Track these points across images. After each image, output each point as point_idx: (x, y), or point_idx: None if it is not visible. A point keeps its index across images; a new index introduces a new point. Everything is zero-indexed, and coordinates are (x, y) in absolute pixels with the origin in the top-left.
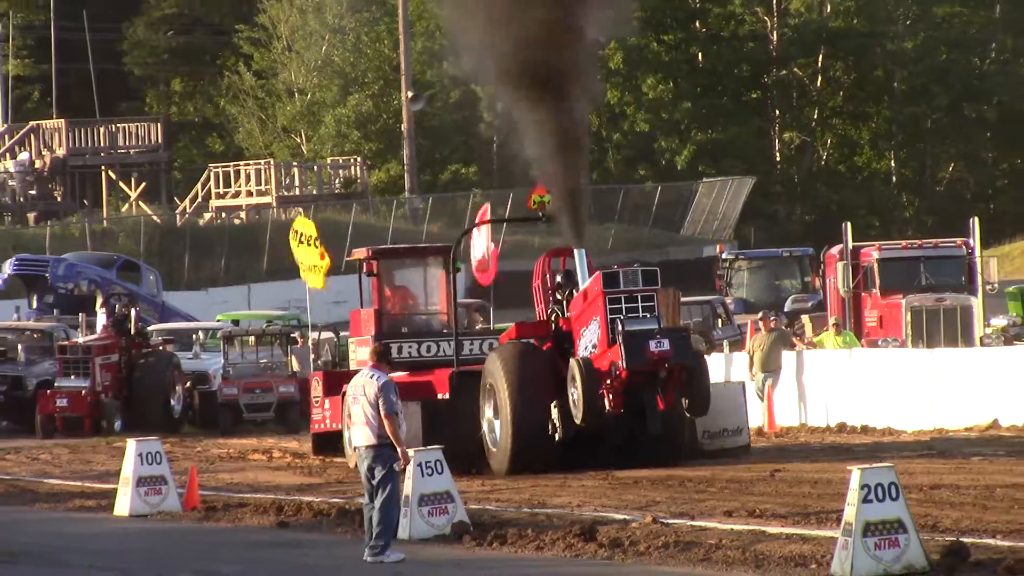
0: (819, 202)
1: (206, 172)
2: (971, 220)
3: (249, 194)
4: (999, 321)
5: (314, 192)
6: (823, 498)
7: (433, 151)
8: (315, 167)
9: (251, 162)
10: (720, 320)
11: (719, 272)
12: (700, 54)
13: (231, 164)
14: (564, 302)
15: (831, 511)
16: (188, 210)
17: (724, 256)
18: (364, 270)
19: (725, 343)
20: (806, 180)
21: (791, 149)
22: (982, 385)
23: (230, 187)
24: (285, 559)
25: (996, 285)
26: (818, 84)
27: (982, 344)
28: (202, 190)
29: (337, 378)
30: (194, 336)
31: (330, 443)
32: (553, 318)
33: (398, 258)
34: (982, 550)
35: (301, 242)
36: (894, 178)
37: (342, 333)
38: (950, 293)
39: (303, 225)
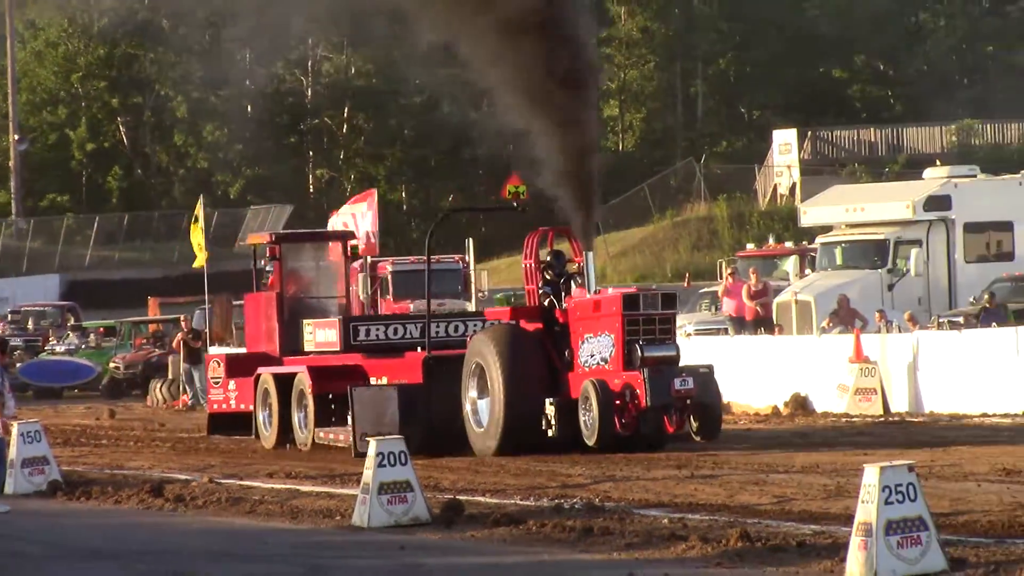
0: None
1: None
2: (467, 240)
3: None
4: None
5: None
6: (347, 463)
7: (34, 182)
8: None
9: None
10: None
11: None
12: (249, 106)
13: None
14: (555, 284)
15: (353, 474)
16: None
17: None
18: (267, 254)
19: None
20: (335, 206)
21: (322, 183)
22: None
23: None
24: None
25: (487, 292)
26: (344, 130)
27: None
28: None
29: (240, 360)
30: None
31: (230, 423)
32: (546, 302)
33: (299, 243)
34: (474, 506)
35: (196, 222)
36: (405, 207)
37: None
38: (449, 299)
39: (199, 210)
